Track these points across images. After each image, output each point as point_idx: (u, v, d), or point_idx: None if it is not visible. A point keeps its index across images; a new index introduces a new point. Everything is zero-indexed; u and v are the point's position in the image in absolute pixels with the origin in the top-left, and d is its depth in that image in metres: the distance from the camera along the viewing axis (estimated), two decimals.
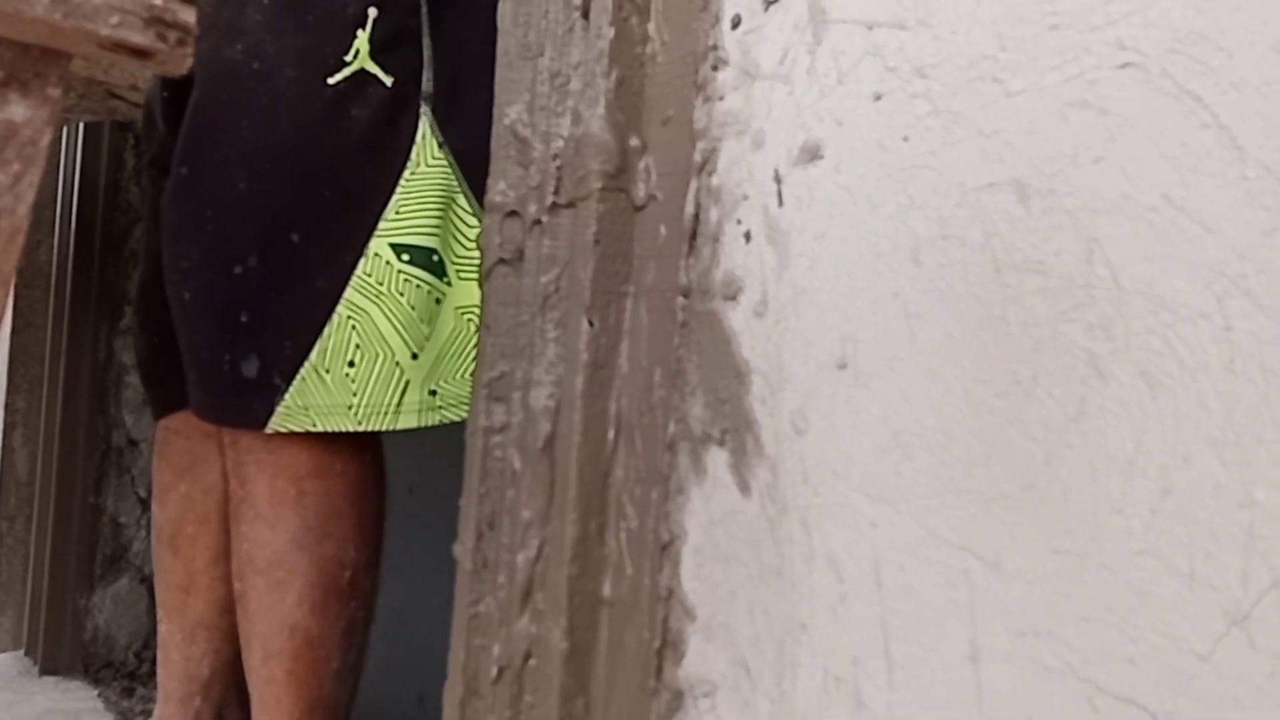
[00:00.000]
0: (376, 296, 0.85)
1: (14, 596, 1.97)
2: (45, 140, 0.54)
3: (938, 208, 0.48)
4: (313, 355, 0.86)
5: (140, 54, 0.52)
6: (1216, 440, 0.39)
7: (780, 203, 0.57)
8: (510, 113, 0.72)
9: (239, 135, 0.86)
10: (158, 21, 0.52)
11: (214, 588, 1.07)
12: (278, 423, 0.87)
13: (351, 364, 0.86)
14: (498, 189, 0.72)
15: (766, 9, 0.58)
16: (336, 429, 0.87)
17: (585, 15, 0.66)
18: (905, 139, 0.50)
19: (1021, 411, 0.45)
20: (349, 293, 0.86)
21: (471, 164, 0.89)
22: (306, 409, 0.87)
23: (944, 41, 0.49)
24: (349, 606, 0.96)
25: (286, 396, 0.87)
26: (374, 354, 0.86)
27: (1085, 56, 0.43)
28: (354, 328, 0.86)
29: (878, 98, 0.52)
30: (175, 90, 0.99)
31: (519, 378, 0.69)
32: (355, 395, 0.87)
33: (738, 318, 0.59)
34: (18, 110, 0.53)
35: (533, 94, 0.70)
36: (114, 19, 0.51)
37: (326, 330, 0.85)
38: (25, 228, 0.54)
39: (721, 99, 0.61)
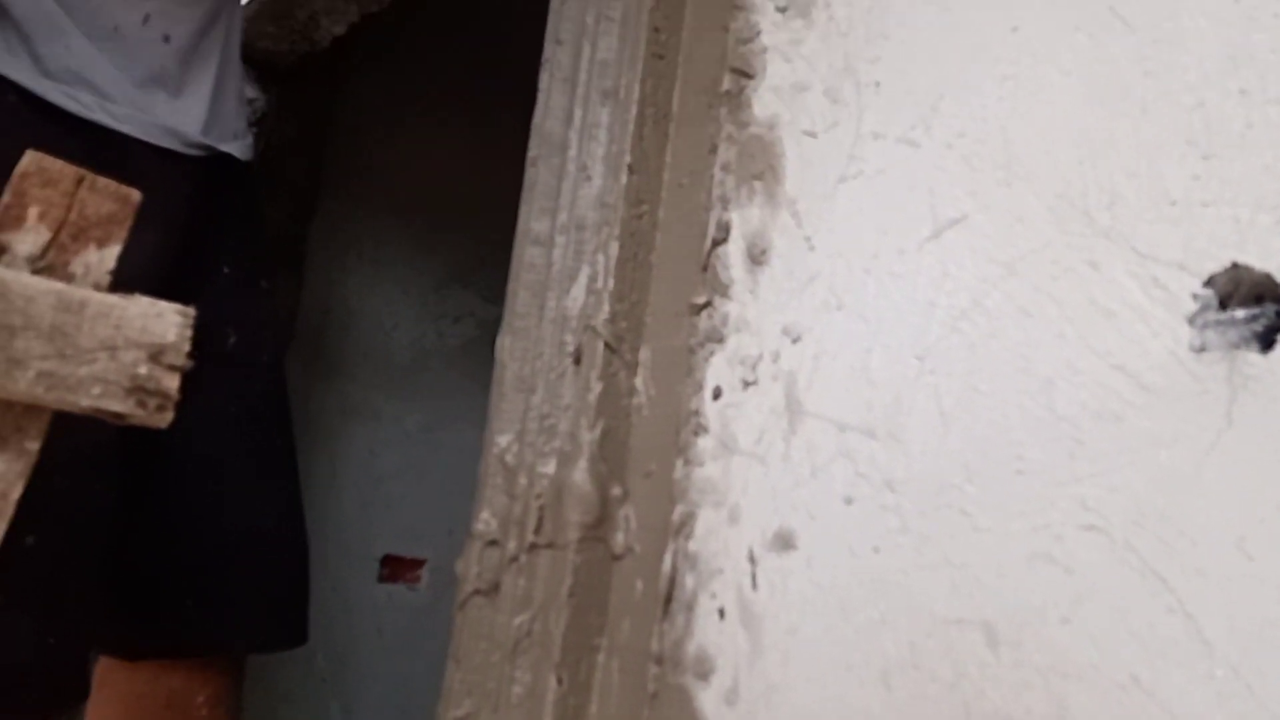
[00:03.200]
0: None
1: None
2: (16, 493, 0.54)
3: (909, 632, 0.47)
4: None
5: (118, 417, 0.53)
6: None
7: (754, 585, 0.55)
8: (500, 441, 0.72)
9: None
10: (139, 390, 0.53)
11: None
12: None
13: None
14: (481, 517, 0.71)
15: (745, 389, 0.59)
16: None
17: (577, 362, 0.68)
18: (876, 550, 0.49)
19: None
20: None
21: None
22: None
23: (913, 459, 0.48)
24: None
25: None
26: None
27: (1050, 510, 0.42)
28: None
29: (849, 501, 0.51)
30: None
31: None
32: None
33: (709, 701, 0.56)
34: None
35: (523, 427, 0.71)
36: (96, 390, 0.52)
37: None
38: None
39: (701, 465, 0.61)
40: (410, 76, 2.10)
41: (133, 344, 0.53)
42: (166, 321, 0.54)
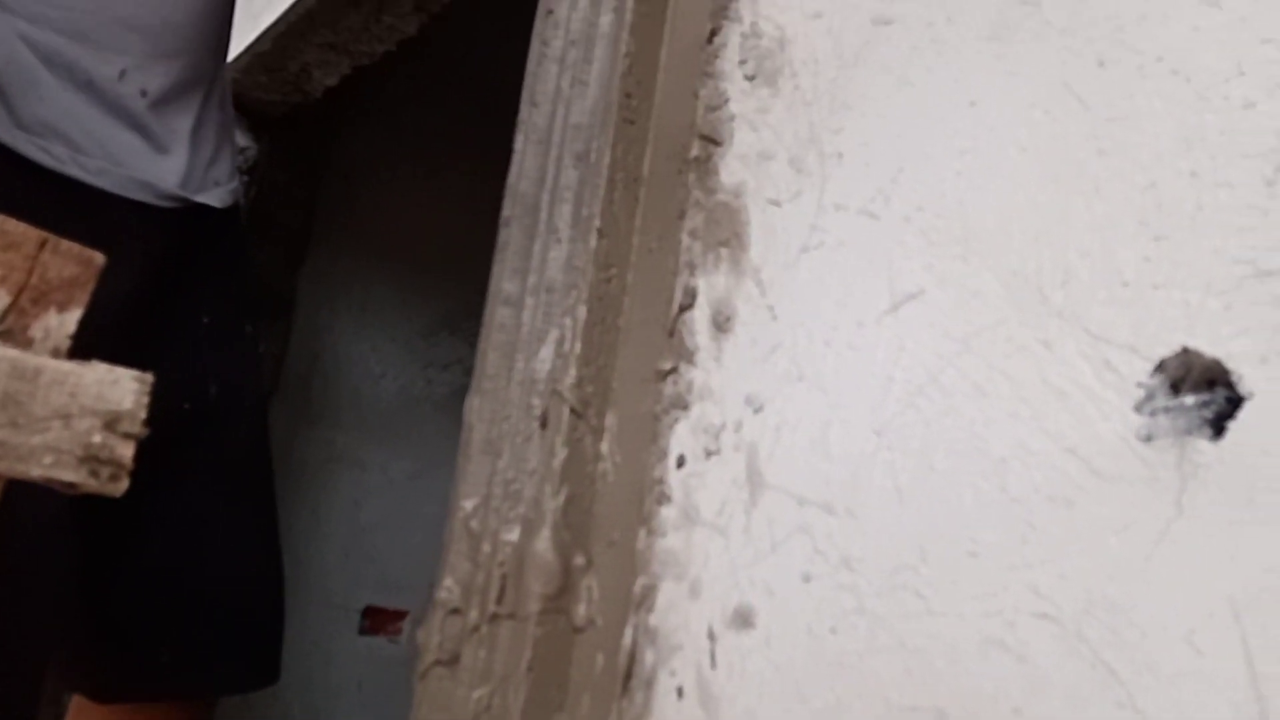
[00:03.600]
0: None
1: None
2: None
3: (864, 719, 0.46)
4: None
5: (70, 486, 0.53)
6: None
7: (713, 664, 0.54)
8: (466, 505, 0.71)
9: None
10: (93, 459, 0.52)
11: None
12: None
13: None
14: (445, 584, 0.70)
15: (708, 458, 0.58)
16: None
17: (543, 426, 0.67)
18: (833, 631, 0.48)
19: None
20: None
21: None
22: None
23: (869, 537, 0.48)
24: None
25: None
26: None
27: (1003, 595, 0.42)
28: None
29: (807, 579, 0.50)
30: None
31: None
32: None
33: None
34: None
35: (489, 491, 0.70)
36: (48, 459, 0.51)
37: None
38: None
39: (664, 536, 0.60)
40: (402, 126, 2.12)
41: (88, 412, 0.53)
42: (123, 388, 0.54)
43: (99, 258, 0.58)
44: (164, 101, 0.98)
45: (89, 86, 0.90)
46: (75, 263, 0.57)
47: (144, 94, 0.96)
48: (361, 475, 2.22)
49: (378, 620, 2.20)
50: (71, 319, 0.57)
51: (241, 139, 1.85)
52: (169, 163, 0.98)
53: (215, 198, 1.10)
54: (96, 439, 0.53)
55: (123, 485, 0.54)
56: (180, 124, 1.00)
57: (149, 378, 0.55)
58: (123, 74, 0.92)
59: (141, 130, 0.95)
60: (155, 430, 1.12)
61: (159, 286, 1.02)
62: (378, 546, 2.21)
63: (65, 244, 0.57)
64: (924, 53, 0.50)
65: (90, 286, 0.58)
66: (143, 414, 0.54)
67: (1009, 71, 0.46)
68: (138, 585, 1.04)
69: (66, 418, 0.52)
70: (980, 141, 0.47)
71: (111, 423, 0.53)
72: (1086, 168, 0.43)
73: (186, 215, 1.06)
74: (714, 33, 0.64)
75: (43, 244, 0.57)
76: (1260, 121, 0.38)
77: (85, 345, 0.56)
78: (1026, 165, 0.45)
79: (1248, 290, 0.37)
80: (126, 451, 0.54)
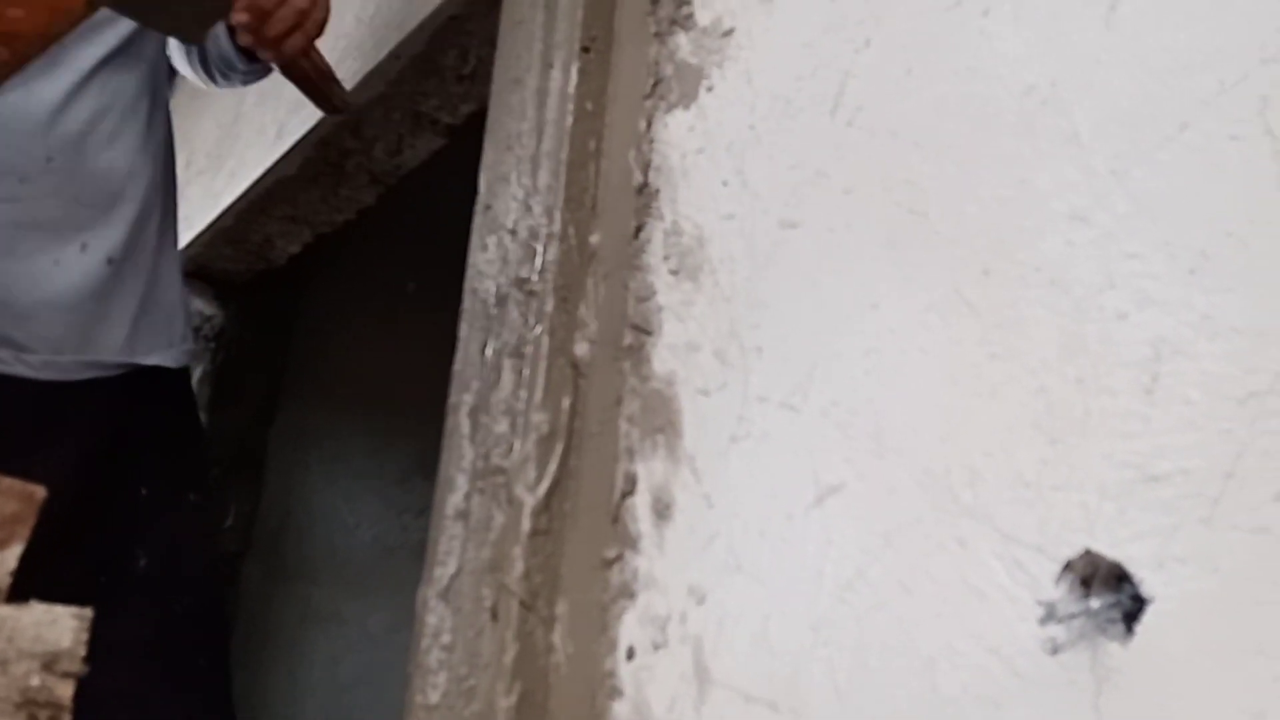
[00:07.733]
0: None
1: None
2: None
3: None
4: None
5: None
6: None
7: None
8: (420, 701, 0.70)
9: None
10: (31, 704, 0.52)
11: None
12: None
13: None
14: None
15: (656, 650, 0.58)
16: None
17: (494, 618, 0.67)
18: None
19: None
20: None
21: None
22: None
23: None
24: None
25: None
26: None
27: None
28: None
29: None
30: None
31: None
32: None
33: None
34: None
35: (445, 688, 0.69)
36: None
37: None
38: None
39: None
40: (366, 280, 2.15)
41: (25, 655, 0.52)
42: (61, 627, 0.54)
43: (40, 492, 0.58)
44: (125, 262, 1.01)
45: (55, 267, 0.93)
46: (16, 499, 0.58)
47: (110, 261, 0.99)
48: (339, 630, 2.18)
49: None
50: (12, 556, 0.57)
51: (208, 306, 1.88)
52: (114, 328, 1.01)
53: (168, 358, 1.11)
54: (35, 682, 0.52)
55: None
56: (133, 286, 1.03)
57: (88, 613, 0.55)
58: (84, 247, 0.95)
59: (98, 297, 0.98)
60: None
61: (99, 464, 1.02)
62: (358, 704, 2.15)
63: (6, 481, 0.58)
64: (829, 256, 0.53)
65: (31, 522, 0.58)
66: (82, 651, 0.54)
67: (905, 277, 0.49)
68: None
69: (4, 663, 0.52)
70: (884, 342, 0.49)
71: (50, 664, 0.53)
72: (981, 371, 0.45)
73: (134, 379, 1.07)
74: (639, 229, 0.67)
75: None
76: (1133, 332, 0.40)
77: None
78: (928, 367, 0.47)
79: (1138, 495, 0.39)
80: (66, 691, 0.53)
